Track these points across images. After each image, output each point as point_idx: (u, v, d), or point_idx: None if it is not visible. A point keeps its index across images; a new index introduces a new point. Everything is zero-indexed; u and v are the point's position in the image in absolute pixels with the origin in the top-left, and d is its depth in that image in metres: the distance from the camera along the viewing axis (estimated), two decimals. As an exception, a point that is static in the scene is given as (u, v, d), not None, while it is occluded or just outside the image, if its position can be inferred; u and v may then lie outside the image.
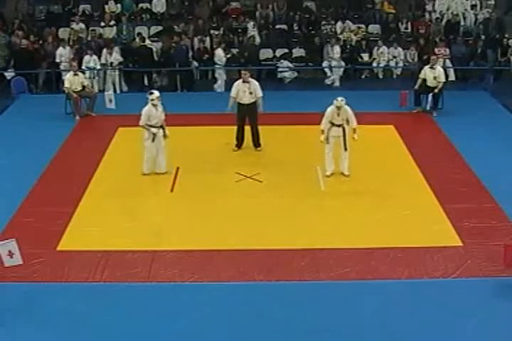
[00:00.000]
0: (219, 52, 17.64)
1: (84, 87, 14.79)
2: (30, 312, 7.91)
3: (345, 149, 11.36)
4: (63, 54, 17.43)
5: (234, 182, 11.44)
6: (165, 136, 11.48)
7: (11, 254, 8.51)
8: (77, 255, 9.15)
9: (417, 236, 9.60)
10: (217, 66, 17.71)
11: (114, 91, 16.79)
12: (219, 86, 17.51)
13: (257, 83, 12.54)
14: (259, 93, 12.44)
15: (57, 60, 17.42)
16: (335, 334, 7.54)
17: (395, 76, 18.77)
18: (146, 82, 17.66)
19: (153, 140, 11.37)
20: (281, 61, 18.37)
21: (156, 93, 11.42)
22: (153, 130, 11.32)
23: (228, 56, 17.77)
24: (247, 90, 12.36)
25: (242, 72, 12.74)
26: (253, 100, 12.44)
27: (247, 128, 12.71)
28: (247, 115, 12.54)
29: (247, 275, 8.69)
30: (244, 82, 12.39)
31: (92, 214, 10.34)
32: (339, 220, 10.14)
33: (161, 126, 11.48)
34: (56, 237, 9.58)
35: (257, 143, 12.76)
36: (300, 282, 8.55)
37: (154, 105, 11.31)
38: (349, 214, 10.34)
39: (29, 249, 8.91)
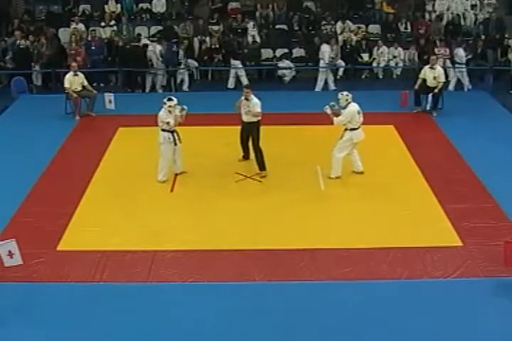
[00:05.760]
0: None
1: (84, 87, 14.80)
2: (30, 312, 7.91)
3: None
4: (157, 50, 17.56)
5: (234, 182, 11.44)
6: (175, 143, 11.29)
7: (11, 254, 8.54)
8: (77, 255, 9.15)
9: (417, 236, 9.59)
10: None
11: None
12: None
13: (258, 102, 11.40)
14: (258, 110, 11.31)
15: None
16: (335, 334, 7.54)
17: (394, 76, 18.78)
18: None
19: (175, 143, 11.24)
20: (283, 60, 18.36)
21: (175, 100, 11.17)
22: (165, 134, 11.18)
23: None
24: (246, 108, 11.48)
25: (244, 90, 11.67)
26: (252, 120, 11.48)
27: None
28: (246, 134, 11.77)
29: (247, 275, 8.69)
30: (246, 99, 11.50)
31: (92, 214, 10.34)
32: (339, 220, 10.13)
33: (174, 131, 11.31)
34: (56, 237, 9.58)
35: (261, 166, 11.61)
36: (300, 282, 8.54)
37: (169, 111, 11.12)
38: (349, 213, 10.33)
39: (29, 249, 8.92)
